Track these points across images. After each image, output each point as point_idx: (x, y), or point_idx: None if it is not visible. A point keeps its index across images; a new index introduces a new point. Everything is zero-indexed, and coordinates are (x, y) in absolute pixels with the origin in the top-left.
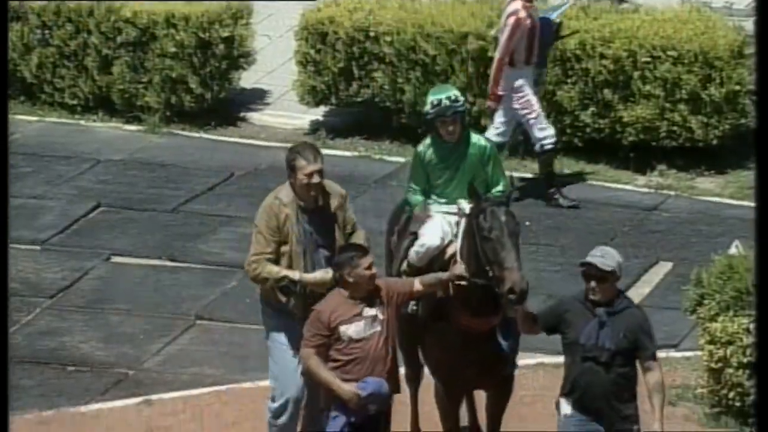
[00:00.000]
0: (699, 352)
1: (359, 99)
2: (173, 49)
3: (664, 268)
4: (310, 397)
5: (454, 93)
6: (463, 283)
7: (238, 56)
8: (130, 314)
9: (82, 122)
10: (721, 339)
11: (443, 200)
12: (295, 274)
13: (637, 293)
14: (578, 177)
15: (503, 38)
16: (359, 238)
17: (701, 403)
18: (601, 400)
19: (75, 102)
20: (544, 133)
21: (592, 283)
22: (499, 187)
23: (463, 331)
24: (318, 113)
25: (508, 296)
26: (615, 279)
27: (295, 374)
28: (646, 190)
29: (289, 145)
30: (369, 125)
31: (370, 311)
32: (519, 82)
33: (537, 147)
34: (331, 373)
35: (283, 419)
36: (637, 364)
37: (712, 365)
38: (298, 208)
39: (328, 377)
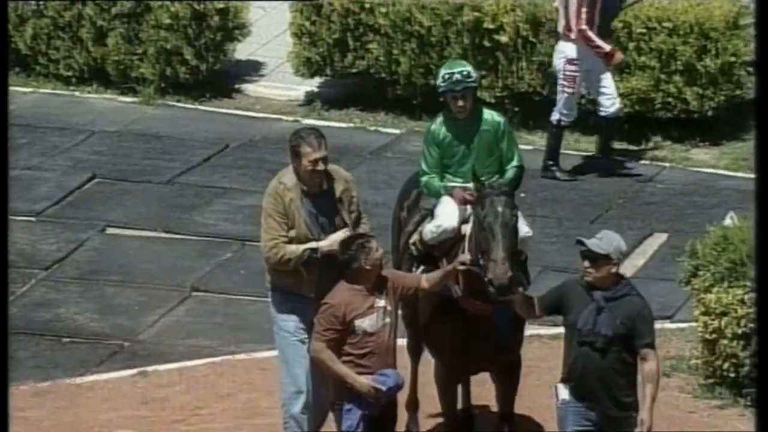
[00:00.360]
0: (693, 324)
1: (354, 70)
2: (168, 21)
3: (658, 239)
4: (315, 390)
5: (467, 69)
6: (462, 268)
7: (233, 28)
8: (125, 286)
9: (77, 93)
10: (715, 310)
11: (459, 179)
12: (314, 245)
13: (631, 265)
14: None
15: (573, 8)
16: (365, 228)
17: (695, 374)
18: (596, 386)
19: (70, 73)
20: (568, 111)
21: (585, 263)
22: (514, 163)
23: (465, 314)
24: (313, 84)
25: (489, 288)
26: (611, 264)
27: (305, 362)
28: (641, 161)
29: (284, 117)
30: (364, 97)
31: (380, 302)
32: (573, 54)
33: (554, 118)
34: (345, 367)
35: (296, 409)
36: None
37: (707, 336)
38: (302, 192)
39: (343, 370)
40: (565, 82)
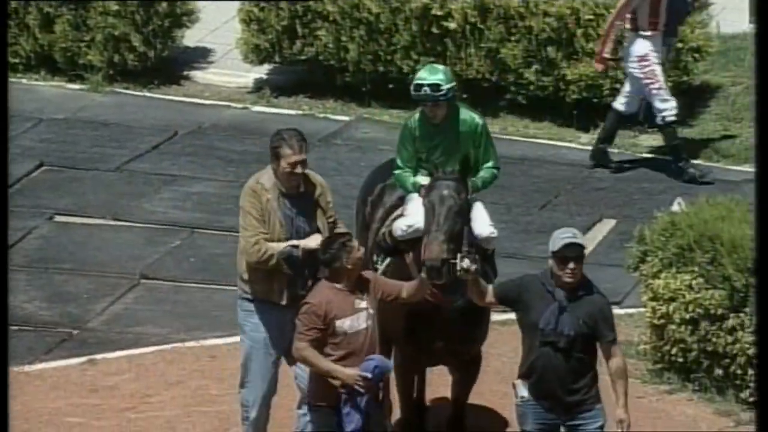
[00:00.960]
0: (642, 309)
1: (303, 57)
2: (116, 7)
3: (607, 225)
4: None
5: (438, 80)
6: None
7: (181, 14)
8: (74, 274)
9: (24, 81)
10: (663, 295)
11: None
12: (296, 242)
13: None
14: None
15: (620, 1)
16: (342, 230)
17: (644, 359)
18: (556, 386)
19: (17, 60)
20: (666, 104)
21: (571, 265)
22: (489, 164)
23: (429, 306)
24: (262, 71)
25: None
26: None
27: (269, 373)
28: (589, 147)
29: (233, 104)
30: (313, 83)
31: (362, 303)
32: (643, 50)
33: (659, 119)
34: (330, 362)
35: (253, 414)
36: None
37: (655, 321)
38: (280, 193)
39: (329, 366)
40: (647, 80)
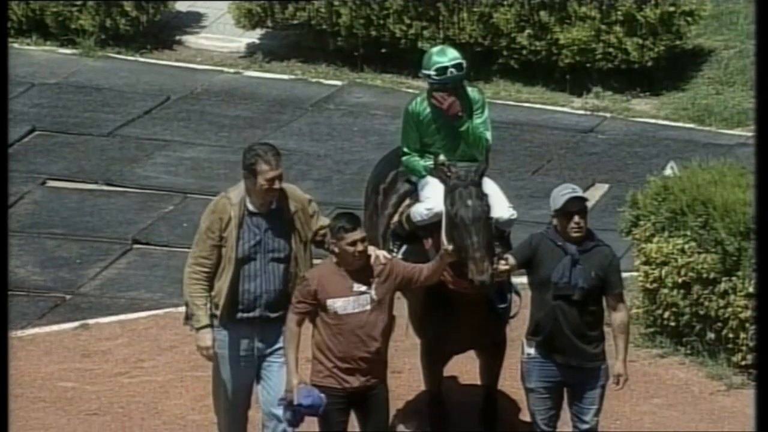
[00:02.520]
0: (634, 273)
1: (295, 22)
2: None
3: (600, 190)
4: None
5: (459, 60)
6: (449, 259)
7: None
8: (66, 239)
9: (16, 45)
10: (656, 260)
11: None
12: (201, 319)
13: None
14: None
15: None
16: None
17: (636, 323)
18: (567, 339)
19: (8, 25)
20: None
21: (576, 219)
22: (486, 137)
23: (451, 292)
24: (254, 36)
25: (468, 284)
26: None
27: (221, 393)
28: (582, 112)
29: (225, 68)
30: (305, 48)
31: (360, 287)
32: None
33: None
34: (293, 355)
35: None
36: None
37: (647, 286)
38: (246, 210)
39: (289, 357)
40: None
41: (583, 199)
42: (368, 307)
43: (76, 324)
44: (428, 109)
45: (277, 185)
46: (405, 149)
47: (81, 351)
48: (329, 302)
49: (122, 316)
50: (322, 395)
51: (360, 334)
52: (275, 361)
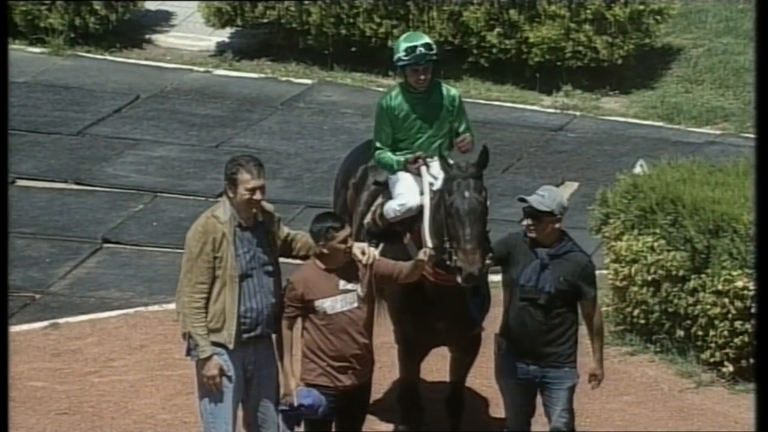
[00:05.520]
0: (604, 271)
1: (265, 20)
2: None
3: (569, 188)
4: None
5: (428, 41)
6: (426, 259)
7: None
8: (36, 238)
9: None
10: (625, 257)
11: (411, 154)
12: (207, 349)
13: None
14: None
15: None
16: (303, 238)
17: (606, 321)
18: (534, 342)
19: None
20: None
21: (528, 220)
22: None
23: (430, 285)
24: (224, 35)
25: (456, 276)
26: (554, 220)
27: (228, 417)
28: (552, 110)
29: (195, 67)
30: (275, 47)
31: (346, 285)
32: None
33: None
34: (288, 360)
35: None
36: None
37: (617, 283)
38: (237, 226)
39: (284, 362)
40: None
41: (533, 209)
42: (356, 304)
43: (45, 323)
44: (404, 104)
45: (258, 195)
46: (377, 144)
47: (51, 350)
48: (317, 303)
49: (92, 315)
50: (321, 395)
51: (351, 332)
52: (267, 384)
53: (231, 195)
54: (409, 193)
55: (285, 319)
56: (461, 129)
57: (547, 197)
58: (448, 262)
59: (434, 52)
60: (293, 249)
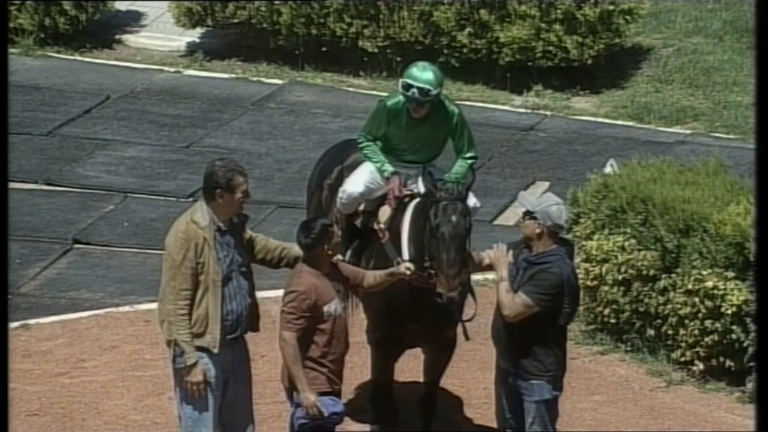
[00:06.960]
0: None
1: (236, 20)
2: None
3: (540, 187)
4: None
5: (429, 83)
6: (409, 273)
7: None
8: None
9: None
10: (596, 257)
11: (401, 163)
12: (193, 355)
13: (514, 213)
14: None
15: None
16: (262, 241)
17: (577, 320)
18: (503, 350)
19: None
20: None
21: (520, 217)
22: (470, 153)
23: (408, 286)
24: (194, 35)
25: (436, 298)
26: (536, 224)
27: (209, 423)
28: (522, 110)
29: (165, 67)
30: (246, 47)
31: (337, 286)
32: None
33: None
34: (302, 372)
35: None
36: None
37: (588, 283)
38: (217, 230)
39: (299, 375)
40: None
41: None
42: (342, 304)
43: (16, 324)
44: (404, 116)
45: (248, 197)
46: (366, 136)
47: (21, 351)
48: (325, 308)
49: (63, 316)
50: (339, 402)
51: (344, 333)
52: (241, 384)
53: (222, 199)
54: (352, 181)
55: (292, 330)
56: (463, 147)
57: (537, 201)
58: (433, 284)
59: (431, 96)
60: (253, 251)
